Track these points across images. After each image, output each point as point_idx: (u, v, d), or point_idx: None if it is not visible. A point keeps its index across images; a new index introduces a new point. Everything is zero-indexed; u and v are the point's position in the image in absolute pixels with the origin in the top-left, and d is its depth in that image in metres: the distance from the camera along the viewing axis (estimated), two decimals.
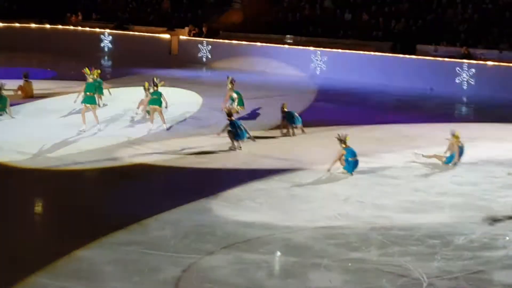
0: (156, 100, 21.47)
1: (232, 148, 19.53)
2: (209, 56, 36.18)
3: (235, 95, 22.75)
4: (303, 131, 21.48)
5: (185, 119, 23.16)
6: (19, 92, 25.59)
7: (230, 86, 23.09)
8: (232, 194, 16.11)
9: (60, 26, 40.44)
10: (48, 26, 40.21)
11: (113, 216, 14.75)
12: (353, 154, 17.63)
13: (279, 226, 14.28)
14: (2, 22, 39.84)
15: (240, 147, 19.55)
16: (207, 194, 15.96)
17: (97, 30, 39.68)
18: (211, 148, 19.95)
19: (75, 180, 17.39)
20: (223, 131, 19.74)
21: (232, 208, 15.26)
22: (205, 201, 15.54)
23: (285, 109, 21.54)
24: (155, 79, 21.89)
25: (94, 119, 21.38)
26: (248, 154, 19.28)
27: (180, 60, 36.04)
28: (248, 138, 19.86)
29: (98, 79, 24.38)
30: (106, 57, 38.16)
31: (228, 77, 23.33)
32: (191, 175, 17.76)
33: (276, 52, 34.65)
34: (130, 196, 16.07)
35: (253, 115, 23.58)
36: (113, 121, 22.66)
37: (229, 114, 19.91)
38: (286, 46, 35.51)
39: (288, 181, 17.23)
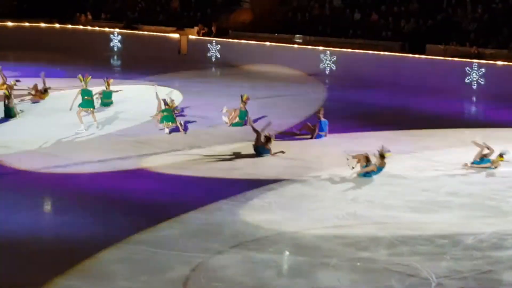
0: (168, 116, 21.43)
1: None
2: (218, 56, 36.16)
3: (237, 119, 22.37)
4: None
5: (193, 120, 23.11)
6: (33, 92, 25.43)
7: (242, 105, 22.46)
8: (241, 193, 16.09)
9: (69, 26, 40.51)
10: (57, 25, 40.27)
11: (121, 215, 14.78)
12: (378, 173, 17.46)
13: (287, 225, 14.28)
14: (12, 22, 39.93)
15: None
16: (216, 193, 15.98)
17: (107, 29, 39.72)
18: (220, 147, 19.94)
19: (85, 180, 17.40)
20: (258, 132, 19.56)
21: (241, 207, 15.25)
22: (213, 201, 15.53)
23: (321, 116, 21.36)
24: (166, 99, 21.83)
25: (93, 121, 21.48)
26: (257, 154, 19.25)
27: (189, 60, 36.04)
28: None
29: (108, 90, 24.41)
30: (115, 57, 38.19)
31: (242, 96, 22.63)
32: (200, 174, 17.71)
33: (285, 51, 34.60)
34: (138, 195, 16.07)
35: (262, 115, 23.51)
36: (122, 121, 22.68)
37: (269, 140, 19.36)
38: (295, 45, 35.47)
39: (297, 181, 17.21)
